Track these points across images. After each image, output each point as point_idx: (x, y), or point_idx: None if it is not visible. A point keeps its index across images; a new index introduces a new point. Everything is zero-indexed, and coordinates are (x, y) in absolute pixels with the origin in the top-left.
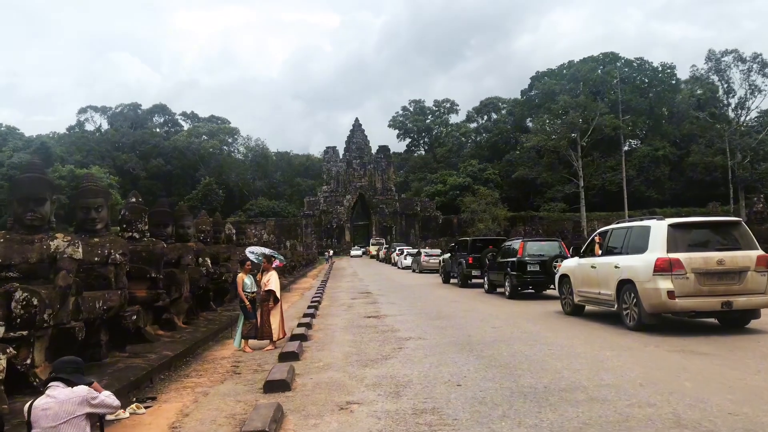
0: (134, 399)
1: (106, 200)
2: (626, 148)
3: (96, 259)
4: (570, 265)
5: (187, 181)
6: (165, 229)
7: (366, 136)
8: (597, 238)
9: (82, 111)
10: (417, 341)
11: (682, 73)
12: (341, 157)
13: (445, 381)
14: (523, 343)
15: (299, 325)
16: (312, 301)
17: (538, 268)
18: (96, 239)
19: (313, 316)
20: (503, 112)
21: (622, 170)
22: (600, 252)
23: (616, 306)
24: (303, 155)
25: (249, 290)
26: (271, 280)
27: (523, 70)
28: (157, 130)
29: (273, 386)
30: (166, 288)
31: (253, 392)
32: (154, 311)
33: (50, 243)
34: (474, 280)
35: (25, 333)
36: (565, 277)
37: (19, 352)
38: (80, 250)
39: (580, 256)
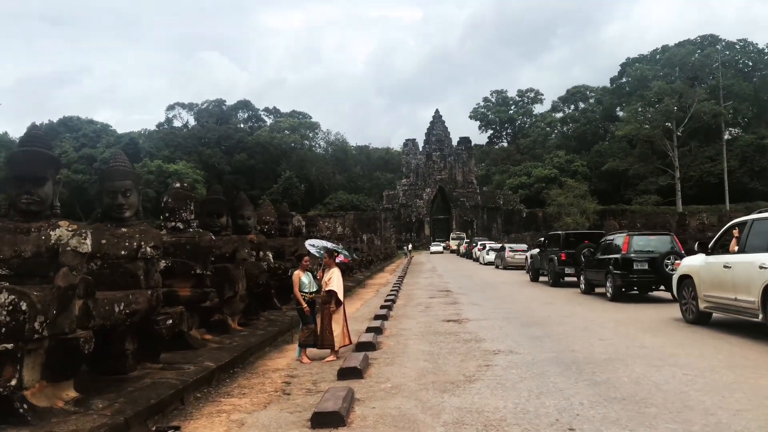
0: (154, 428)
1: (136, 183)
2: (727, 136)
3: (123, 252)
4: (693, 264)
5: (269, 176)
6: (218, 219)
7: (446, 128)
8: (734, 232)
9: (170, 108)
10: (508, 356)
11: None
12: (421, 149)
13: (552, 421)
14: (646, 363)
15: (368, 329)
16: (386, 300)
17: (646, 267)
18: (123, 229)
19: (385, 317)
20: (591, 101)
21: (723, 160)
22: (736, 248)
23: (761, 316)
24: (382, 149)
25: (307, 290)
26: (333, 279)
27: (612, 59)
28: (241, 125)
29: (323, 420)
30: (218, 286)
31: (299, 426)
32: (200, 312)
33: (50, 233)
34: (567, 279)
35: (9, 346)
36: (686, 279)
37: (2, 371)
38: (88, 241)
39: (708, 253)
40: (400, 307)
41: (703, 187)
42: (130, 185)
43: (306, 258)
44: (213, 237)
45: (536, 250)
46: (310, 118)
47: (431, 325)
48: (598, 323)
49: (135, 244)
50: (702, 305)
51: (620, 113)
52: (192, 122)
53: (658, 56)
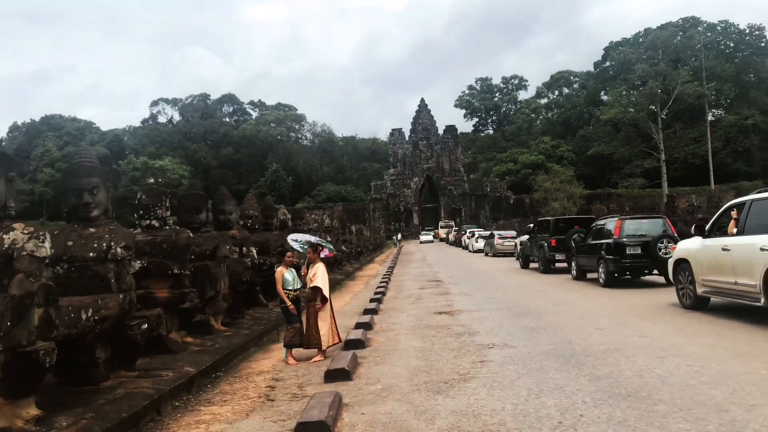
0: None
1: (104, 180)
2: (711, 118)
3: (91, 254)
4: (690, 247)
5: (256, 169)
6: (198, 215)
7: (432, 117)
8: (732, 213)
9: (154, 104)
10: (503, 350)
11: None
12: (407, 139)
13: (555, 424)
14: (648, 354)
15: (357, 325)
16: (376, 292)
17: (639, 251)
18: (91, 229)
19: (375, 311)
20: (575, 86)
21: (707, 141)
22: (735, 230)
23: (763, 300)
24: (369, 139)
25: (291, 287)
26: (318, 275)
27: (595, 44)
28: (227, 119)
29: (308, 430)
30: (199, 285)
31: None
32: (181, 314)
33: (3, 236)
34: (557, 265)
35: None
36: (683, 263)
37: None
38: (47, 245)
39: (705, 236)
40: (390, 299)
41: (688, 168)
42: (97, 182)
43: (289, 254)
44: (191, 234)
45: (526, 237)
46: (296, 110)
47: (422, 318)
48: (594, 311)
49: (104, 244)
50: (700, 290)
51: (604, 97)
52: (177, 117)
53: (641, 39)
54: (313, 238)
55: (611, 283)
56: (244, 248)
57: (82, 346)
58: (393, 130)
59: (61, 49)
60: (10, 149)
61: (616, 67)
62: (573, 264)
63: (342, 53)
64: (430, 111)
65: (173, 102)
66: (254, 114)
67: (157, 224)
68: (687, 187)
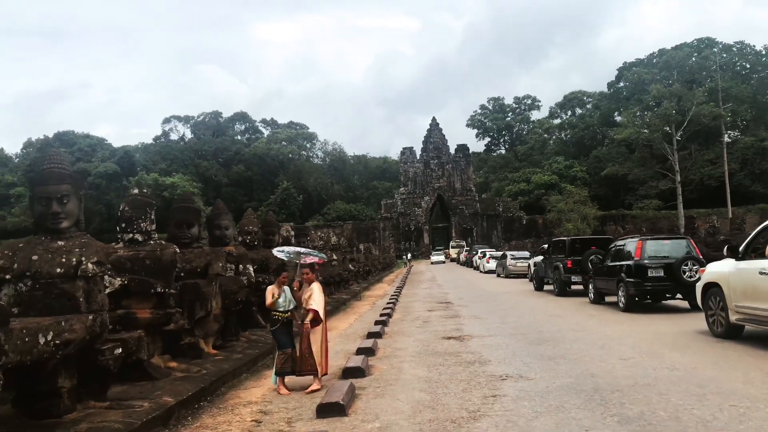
0: None
1: (75, 188)
2: (727, 140)
3: (59, 270)
4: (722, 270)
5: (267, 187)
6: (189, 229)
7: (444, 136)
8: None
9: (167, 121)
10: (518, 383)
11: None
12: (418, 157)
13: None
14: (683, 391)
15: (359, 350)
16: (382, 314)
17: (662, 273)
18: (60, 242)
19: (379, 335)
20: (588, 106)
21: (723, 163)
22: None
23: None
24: (380, 158)
25: (282, 309)
26: (314, 295)
27: (609, 65)
28: (238, 137)
29: None
30: (188, 305)
31: None
32: (166, 336)
33: None
34: (573, 287)
35: None
36: (713, 287)
37: None
38: None
39: (738, 258)
40: (397, 321)
41: (704, 190)
42: (67, 190)
43: (285, 273)
44: (177, 249)
45: (539, 258)
46: (308, 128)
47: (429, 344)
48: (616, 339)
49: (74, 259)
50: (733, 317)
51: (618, 118)
52: (189, 135)
53: (655, 60)
54: (302, 249)
55: (632, 307)
56: (241, 266)
57: (41, 373)
58: (404, 148)
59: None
60: (24, 165)
61: (629, 88)
62: (590, 287)
63: (355, 72)
64: (441, 130)
65: (185, 119)
66: (266, 132)
67: (140, 238)
68: (702, 209)
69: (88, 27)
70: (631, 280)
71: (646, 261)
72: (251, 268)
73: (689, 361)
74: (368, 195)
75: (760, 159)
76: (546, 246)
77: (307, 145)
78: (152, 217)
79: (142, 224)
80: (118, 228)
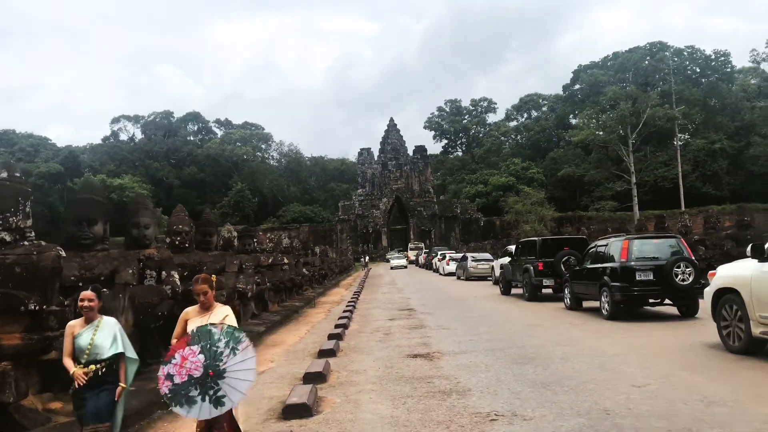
0: None
1: None
2: (679, 142)
3: None
4: (741, 273)
5: (220, 189)
6: (90, 227)
7: (401, 137)
8: None
9: (115, 121)
10: (513, 426)
11: (736, 63)
12: (376, 159)
13: None
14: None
15: (306, 377)
16: (337, 324)
17: (651, 277)
18: None
19: (333, 352)
20: (544, 109)
21: (677, 165)
22: None
23: None
24: (337, 159)
25: (89, 357)
26: (226, 322)
27: (565, 69)
28: (191, 138)
29: None
30: None
31: None
32: (43, 369)
33: None
34: (544, 290)
35: None
36: (728, 293)
37: None
38: None
39: (763, 259)
40: (354, 334)
41: (658, 192)
42: None
43: (88, 295)
44: (62, 253)
45: (506, 260)
46: (263, 129)
47: (393, 365)
48: (614, 356)
49: None
50: (756, 329)
51: (573, 120)
52: (139, 135)
53: (610, 63)
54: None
55: (617, 314)
56: (164, 272)
57: None
58: (362, 149)
59: (27, 68)
60: None
61: (585, 90)
62: (566, 291)
63: (315, 75)
64: (399, 131)
65: (135, 119)
66: (219, 133)
67: (8, 238)
68: (657, 210)
69: (38, 27)
70: (617, 284)
71: (633, 263)
72: (176, 275)
73: (722, 389)
74: (325, 197)
75: (711, 161)
76: (514, 247)
77: (263, 146)
78: (27, 209)
79: (11, 219)
80: None
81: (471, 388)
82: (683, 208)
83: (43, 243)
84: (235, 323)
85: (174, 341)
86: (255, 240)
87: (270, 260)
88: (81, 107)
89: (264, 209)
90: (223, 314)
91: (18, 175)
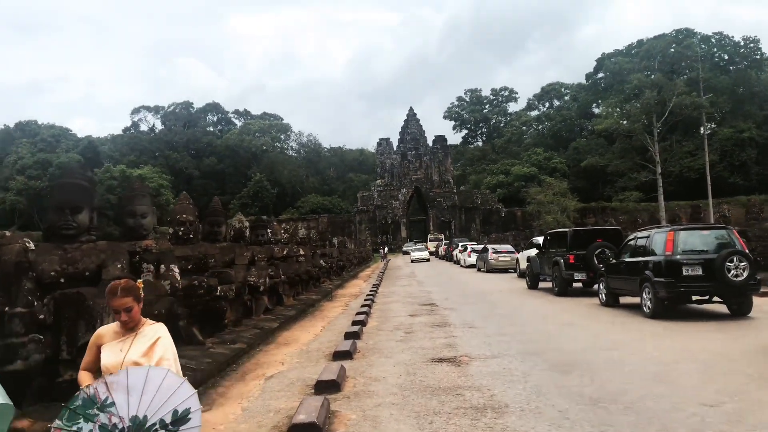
0: None
1: None
2: (707, 131)
3: None
4: None
5: (240, 180)
6: (74, 216)
7: (421, 127)
8: None
9: (135, 111)
10: None
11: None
12: (395, 149)
13: None
14: None
15: (318, 386)
16: (354, 321)
17: (699, 272)
18: None
19: (349, 354)
20: (566, 98)
21: (704, 154)
22: None
23: None
24: (356, 150)
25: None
26: (163, 352)
27: (587, 59)
28: (210, 129)
29: None
30: (69, 324)
31: None
32: (12, 382)
33: None
34: (575, 284)
35: None
36: None
37: None
38: None
39: None
40: (372, 332)
41: (684, 182)
42: None
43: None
44: (30, 245)
45: (532, 252)
46: (282, 120)
47: (416, 371)
48: (669, 363)
49: None
50: None
51: (596, 110)
52: (159, 126)
53: (634, 51)
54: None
55: (660, 312)
56: (162, 266)
57: None
58: (381, 139)
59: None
60: None
61: (608, 78)
62: (601, 286)
63: (335, 67)
64: (419, 121)
65: (155, 110)
66: (239, 123)
67: None
68: (683, 201)
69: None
70: (661, 279)
71: (679, 256)
72: (176, 270)
73: None
74: (344, 188)
75: (739, 151)
76: (540, 239)
77: (282, 137)
78: None
79: None
80: None
81: (508, 403)
82: (711, 199)
83: (8, 233)
84: (171, 352)
85: (82, 377)
86: (269, 230)
87: (285, 252)
88: (104, 99)
89: (283, 200)
90: (152, 338)
91: None
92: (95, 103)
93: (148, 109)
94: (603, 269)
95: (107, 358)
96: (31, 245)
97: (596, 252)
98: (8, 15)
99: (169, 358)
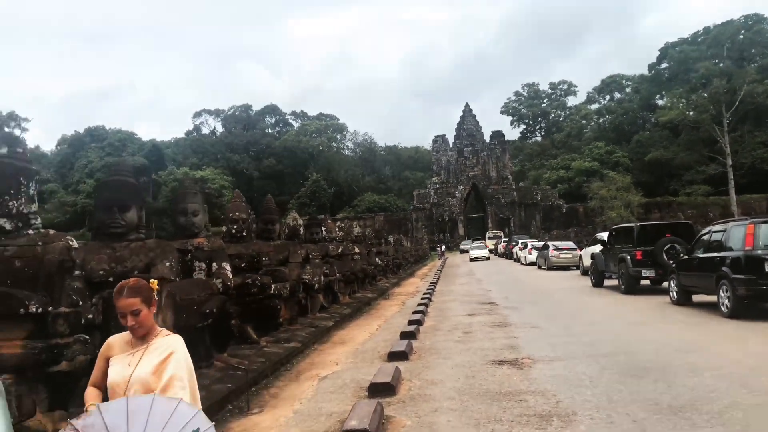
0: None
1: None
2: None
3: None
4: None
5: (297, 180)
6: (122, 214)
7: (477, 122)
8: None
9: (197, 115)
10: None
11: None
12: (451, 146)
13: None
14: None
15: (372, 388)
16: (411, 320)
17: None
18: None
19: (405, 356)
20: (628, 90)
21: None
22: None
23: None
24: (411, 148)
25: None
26: (175, 374)
27: (648, 51)
28: (269, 130)
29: None
30: (104, 330)
31: None
32: (53, 383)
33: None
34: (643, 282)
35: None
36: None
37: None
38: None
39: None
40: (429, 331)
41: (756, 174)
42: None
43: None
44: (71, 243)
45: (596, 248)
46: (338, 120)
47: (475, 374)
48: (757, 369)
49: None
50: None
51: (660, 102)
52: (220, 129)
53: (700, 38)
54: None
55: (740, 312)
56: (215, 264)
57: None
58: (436, 136)
59: (119, 68)
60: (56, 161)
61: (673, 68)
62: (672, 284)
63: (390, 66)
64: (475, 116)
65: (216, 113)
66: (296, 125)
67: (8, 226)
68: (756, 194)
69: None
70: (740, 276)
71: (760, 251)
72: (228, 268)
73: None
74: (400, 186)
75: None
76: (605, 234)
77: (338, 137)
78: (31, 192)
79: (11, 203)
80: None
81: (576, 411)
82: None
83: (51, 232)
84: (186, 370)
85: (88, 394)
86: (323, 228)
87: (340, 249)
88: (168, 104)
89: (340, 199)
90: (164, 351)
91: (21, 151)
92: (159, 108)
93: (209, 112)
94: (674, 266)
95: (114, 374)
96: (75, 243)
97: (666, 247)
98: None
99: (182, 378)
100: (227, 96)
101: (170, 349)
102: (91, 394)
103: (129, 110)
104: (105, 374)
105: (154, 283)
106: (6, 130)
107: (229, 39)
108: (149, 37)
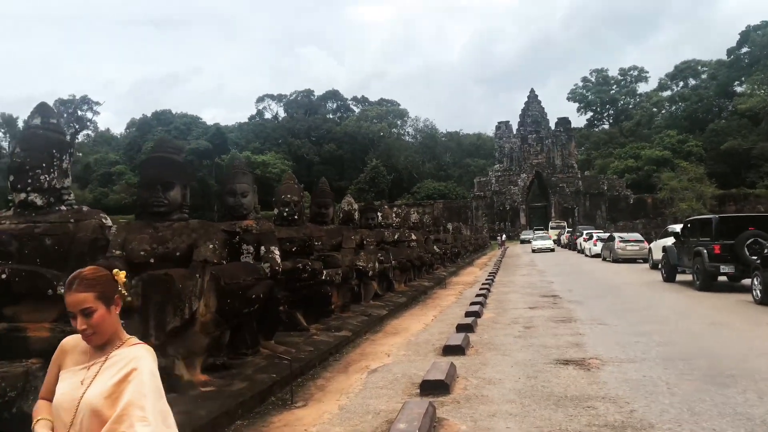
0: None
1: None
2: None
3: None
4: None
5: (357, 165)
6: (166, 192)
7: (543, 109)
8: None
9: (260, 100)
10: None
11: None
12: (515, 132)
13: None
14: None
15: (424, 386)
16: (468, 312)
17: None
18: None
19: (461, 349)
20: (704, 76)
21: None
22: None
23: None
24: (473, 134)
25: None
26: (136, 397)
27: (727, 36)
28: (330, 116)
29: None
30: (156, 308)
31: None
32: None
33: None
34: (720, 278)
35: None
36: None
37: None
38: None
39: None
40: (488, 324)
41: None
42: None
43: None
44: (107, 221)
45: (667, 240)
46: (399, 105)
47: (537, 374)
48: None
49: None
50: None
51: (738, 88)
52: (282, 114)
53: None
54: None
55: None
56: (263, 248)
57: None
58: (499, 123)
59: (186, 54)
60: (124, 144)
61: (754, 53)
62: (755, 281)
63: (454, 52)
64: (540, 102)
65: (278, 98)
66: (357, 110)
67: (39, 201)
68: None
69: (193, 15)
70: None
71: None
72: (277, 252)
73: None
74: (460, 173)
75: None
76: (677, 226)
77: (398, 123)
78: (65, 165)
79: (42, 177)
80: (9, 184)
81: (653, 423)
82: None
83: (85, 208)
84: (151, 394)
85: (36, 408)
86: (379, 214)
87: (396, 236)
88: (232, 89)
89: (399, 185)
90: (123, 368)
91: (54, 122)
92: (224, 93)
93: (271, 97)
94: (757, 261)
95: (61, 393)
96: (108, 221)
97: (748, 242)
98: (148, 12)
99: (143, 407)
100: (290, 81)
101: (132, 365)
102: (40, 408)
103: (195, 95)
104: (55, 382)
105: (120, 275)
106: (79, 113)
107: (292, 25)
108: (216, 25)
